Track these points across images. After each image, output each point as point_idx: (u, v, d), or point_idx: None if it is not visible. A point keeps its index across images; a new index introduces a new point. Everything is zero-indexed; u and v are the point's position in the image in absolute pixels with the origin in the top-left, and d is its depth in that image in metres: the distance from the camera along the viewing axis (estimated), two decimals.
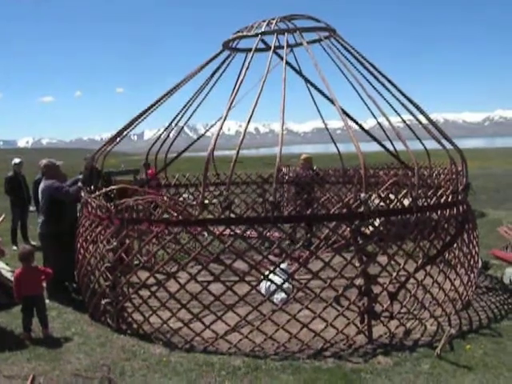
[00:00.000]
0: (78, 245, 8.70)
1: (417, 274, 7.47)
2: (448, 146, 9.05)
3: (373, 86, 9.84)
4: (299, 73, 10.84)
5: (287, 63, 9.23)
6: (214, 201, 10.76)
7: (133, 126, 10.26)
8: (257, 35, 9.77)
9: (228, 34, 10.51)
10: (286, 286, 8.08)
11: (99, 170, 10.12)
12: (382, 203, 7.33)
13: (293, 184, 13.71)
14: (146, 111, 10.32)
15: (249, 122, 7.82)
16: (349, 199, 7.20)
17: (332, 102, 8.47)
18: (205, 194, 7.46)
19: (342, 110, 8.15)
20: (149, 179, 11.68)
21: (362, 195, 7.02)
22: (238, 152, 7.28)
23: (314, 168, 14.37)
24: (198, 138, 12.08)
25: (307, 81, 10.89)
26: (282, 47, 9.85)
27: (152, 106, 10.38)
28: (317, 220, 7.35)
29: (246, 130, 7.82)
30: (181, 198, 11.82)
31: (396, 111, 9.60)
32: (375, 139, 10.31)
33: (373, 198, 7.30)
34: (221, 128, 8.10)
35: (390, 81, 9.65)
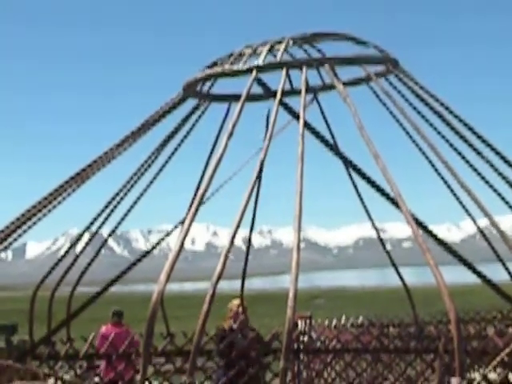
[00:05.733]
0: None
1: None
2: None
3: (466, 162, 6.57)
4: (331, 146, 6.56)
5: (307, 126, 5.89)
6: None
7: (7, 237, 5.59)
8: (249, 71, 6.01)
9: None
10: None
11: None
12: None
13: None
14: (32, 213, 5.74)
15: (236, 231, 4.89)
16: None
17: (395, 203, 5.54)
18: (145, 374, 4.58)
19: (414, 216, 5.48)
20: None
21: (454, 381, 4.70)
22: (214, 289, 4.45)
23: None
24: (139, 260, 7.22)
25: (346, 161, 6.55)
26: (296, 93, 6.51)
27: (46, 199, 5.95)
28: None
29: (230, 247, 4.78)
30: (96, 379, 7.91)
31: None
32: (476, 272, 6.38)
33: (476, 383, 5.55)
34: (182, 243, 4.96)
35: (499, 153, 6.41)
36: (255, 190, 7.53)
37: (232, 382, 7.77)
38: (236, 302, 8.89)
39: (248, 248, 8.63)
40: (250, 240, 8.60)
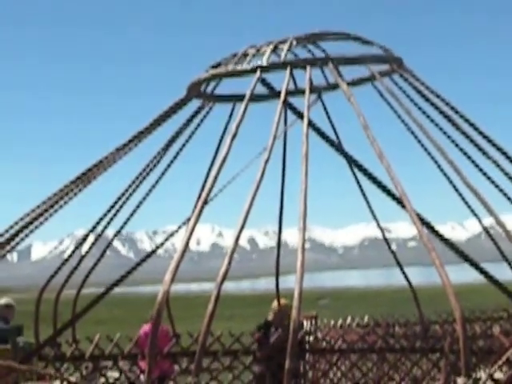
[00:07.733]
0: None
1: None
2: None
3: (471, 161, 6.41)
4: (335, 145, 6.44)
5: (311, 126, 5.80)
6: None
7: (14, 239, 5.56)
8: (253, 71, 5.90)
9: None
10: None
11: None
12: None
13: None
14: (37, 214, 5.57)
15: (240, 232, 4.75)
16: None
17: (399, 201, 5.42)
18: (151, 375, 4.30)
19: (419, 216, 5.28)
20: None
21: (460, 380, 4.70)
22: (219, 289, 4.36)
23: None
24: (143, 261, 7.15)
25: (350, 160, 6.40)
26: (301, 93, 6.29)
27: (51, 201, 5.69)
28: None
29: (234, 248, 4.62)
30: (102, 380, 7.68)
31: None
32: (482, 271, 6.19)
33: (482, 382, 5.20)
34: (187, 244, 4.83)
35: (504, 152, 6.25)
36: (280, 188, 7.51)
37: (274, 374, 7.84)
38: (283, 300, 8.95)
39: (279, 245, 8.39)
40: (279, 238, 8.35)
